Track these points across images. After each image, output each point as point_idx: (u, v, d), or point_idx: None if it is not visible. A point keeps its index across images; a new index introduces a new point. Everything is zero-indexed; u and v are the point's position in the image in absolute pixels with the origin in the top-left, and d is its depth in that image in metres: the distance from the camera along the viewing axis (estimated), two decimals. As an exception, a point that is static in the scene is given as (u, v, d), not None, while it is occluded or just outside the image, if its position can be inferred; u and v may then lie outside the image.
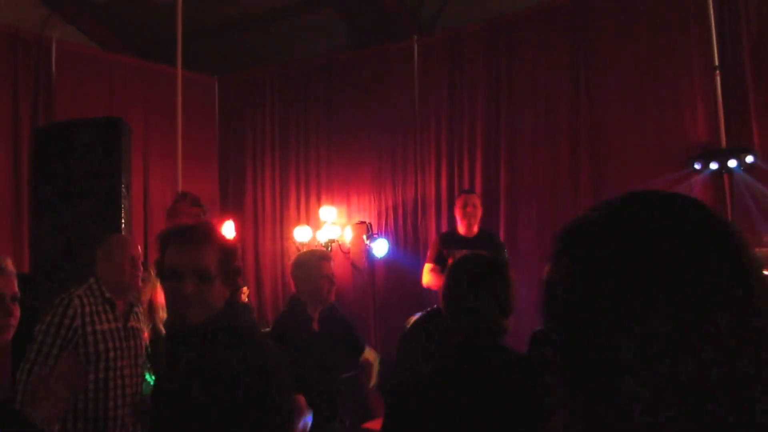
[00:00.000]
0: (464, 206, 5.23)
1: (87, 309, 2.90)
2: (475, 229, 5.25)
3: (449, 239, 5.28)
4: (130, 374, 3.01)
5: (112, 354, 2.93)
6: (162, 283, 2.00)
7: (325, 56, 7.79)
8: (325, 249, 6.37)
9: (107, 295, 2.99)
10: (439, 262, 5.14)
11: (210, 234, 1.97)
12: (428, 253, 5.44)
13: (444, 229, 6.73)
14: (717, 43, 5.53)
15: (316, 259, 3.48)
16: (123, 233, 5.71)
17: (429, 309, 3.03)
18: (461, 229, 5.26)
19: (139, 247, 3.17)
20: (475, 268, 1.97)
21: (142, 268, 3.13)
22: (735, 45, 5.51)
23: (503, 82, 6.59)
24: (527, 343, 3.05)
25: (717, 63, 5.51)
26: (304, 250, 4.42)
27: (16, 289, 2.18)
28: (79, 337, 2.84)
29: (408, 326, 2.97)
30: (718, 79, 5.49)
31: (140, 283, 3.20)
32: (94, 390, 2.87)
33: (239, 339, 1.92)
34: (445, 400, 1.80)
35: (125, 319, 3.06)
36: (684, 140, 5.63)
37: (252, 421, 1.78)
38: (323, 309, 3.50)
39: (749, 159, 5.16)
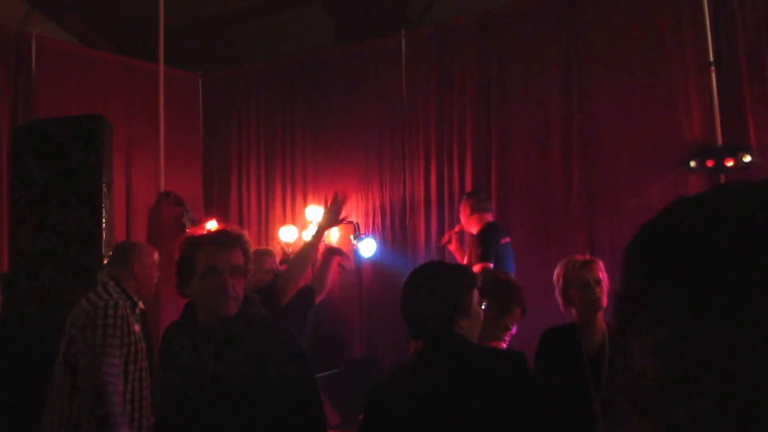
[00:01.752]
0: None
1: (126, 311, 3.10)
2: (473, 230, 5.17)
3: None
4: (148, 374, 3.23)
5: (141, 354, 3.14)
6: (196, 280, 2.19)
7: (311, 52, 7.67)
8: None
9: (135, 298, 3.19)
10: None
11: (238, 236, 2.26)
12: None
13: (434, 229, 6.65)
14: (712, 38, 5.44)
15: (257, 255, 3.50)
16: (104, 234, 5.61)
17: None
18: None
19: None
20: (420, 275, 2.09)
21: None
22: (730, 40, 5.42)
23: (493, 78, 6.48)
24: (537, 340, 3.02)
25: (712, 59, 5.42)
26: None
27: None
28: (124, 337, 3.05)
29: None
30: (714, 75, 5.40)
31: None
32: (131, 390, 3.07)
33: (273, 325, 2.25)
34: (408, 398, 1.90)
35: (142, 321, 3.30)
36: (679, 138, 5.53)
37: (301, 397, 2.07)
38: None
39: (746, 158, 5.07)
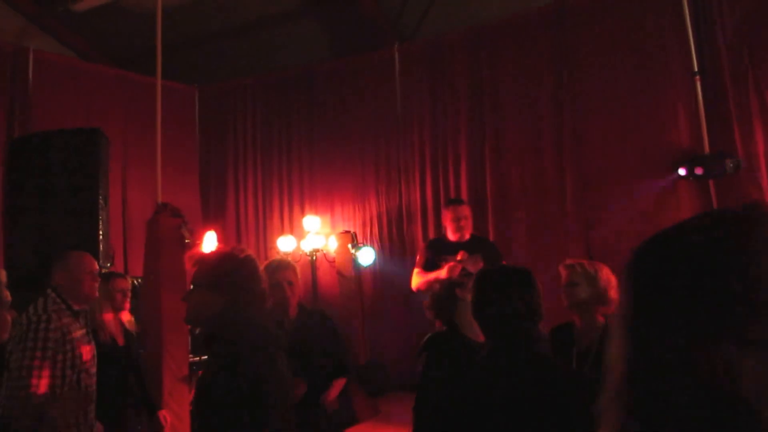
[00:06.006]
0: (454, 219, 4.95)
1: (63, 321, 3.10)
2: (467, 235, 4.96)
3: (438, 245, 5.03)
4: (93, 373, 3.26)
5: (85, 357, 3.17)
6: None
7: (306, 65, 7.78)
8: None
9: (75, 307, 3.19)
10: (428, 267, 4.86)
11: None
12: (417, 259, 5.14)
13: (431, 235, 6.71)
14: (695, 48, 5.58)
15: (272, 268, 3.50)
16: (101, 246, 5.65)
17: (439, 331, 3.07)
18: (451, 236, 4.96)
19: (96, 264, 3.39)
20: (501, 278, 2.11)
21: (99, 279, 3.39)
22: (713, 52, 5.57)
23: (486, 89, 6.61)
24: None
25: (696, 68, 5.55)
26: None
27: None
28: (60, 346, 3.05)
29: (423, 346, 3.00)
30: (699, 85, 5.53)
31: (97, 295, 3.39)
32: (68, 390, 3.08)
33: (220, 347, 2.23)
34: (475, 400, 1.92)
35: (86, 325, 3.30)
36: (667, 145, 5.67)
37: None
38: (305, 313, 3.47)
39: (733, 163, 5.18)
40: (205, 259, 2.37)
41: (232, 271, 2.28)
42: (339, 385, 3.46)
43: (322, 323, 3.55)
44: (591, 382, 2.00)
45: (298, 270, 3.59)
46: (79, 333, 3.17)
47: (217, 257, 2.38)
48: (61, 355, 3.04)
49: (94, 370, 3.24)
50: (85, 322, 3.29)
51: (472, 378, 1.99)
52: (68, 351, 3.07)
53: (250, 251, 2.40)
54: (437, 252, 4.87)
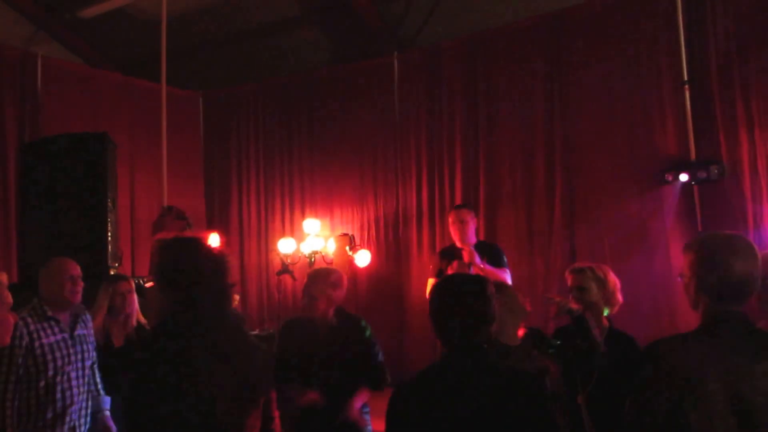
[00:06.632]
0: (454, 221, 5.03)
1: (32, 327, 3.20)
2: (472, 240, 5.02)
3: (447, 253, 5.14)
4: (77, 376, 3.32)
5: (59, 362, 3.24)
6: None
7: (307, 72, 7.95)
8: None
9: (49, 313, 3.27)
10: (440, 276, 4.81)
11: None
12: (430, 269, 5.29)
13: (425, 240, 6.89)
14: (686, 59, 5.72)
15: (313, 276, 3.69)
16: (110, 246, 5.82)
17: None
18: (457, 242, 5.02)
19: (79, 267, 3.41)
20: (455, 287, 2.15)
21: (82, 284, 3.39)
22: (703, 62, 5.69)
23: (481, 96, 6.77)
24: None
25: (686, 77, 5.70)
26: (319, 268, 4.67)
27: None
28: (28, 352, 3.15)
29: None
30: (687, 93, 5.69)
31: (80, 299, 3.43)
32: (44, 393, 3.18)
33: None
34: (432, 402, 1.96)
35: (71, 328, 3.35)
36: (655, 153, 5.80)
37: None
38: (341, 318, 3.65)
39: (717, 170, 5.35)
40: (159, 250, 2.31)
41: (186, 265, 2.17)
42: (362, 396, 3.48)
43: (356, 329, 3.69)
44: (545, 384, 2.10)
45: (339, 278, 3.76)
46: (53, 338, 3.21)
47: (169, 251, 2.27)
48: (31, 360, 3.12)
49: (77, 373, 3.28)
50: (72, 326, 3.33)
51: (427, 386, 2.03)
52: (38, 356, 3.13)
53: (214, 244, 2.27)
54: (446, 259, 5.01)
